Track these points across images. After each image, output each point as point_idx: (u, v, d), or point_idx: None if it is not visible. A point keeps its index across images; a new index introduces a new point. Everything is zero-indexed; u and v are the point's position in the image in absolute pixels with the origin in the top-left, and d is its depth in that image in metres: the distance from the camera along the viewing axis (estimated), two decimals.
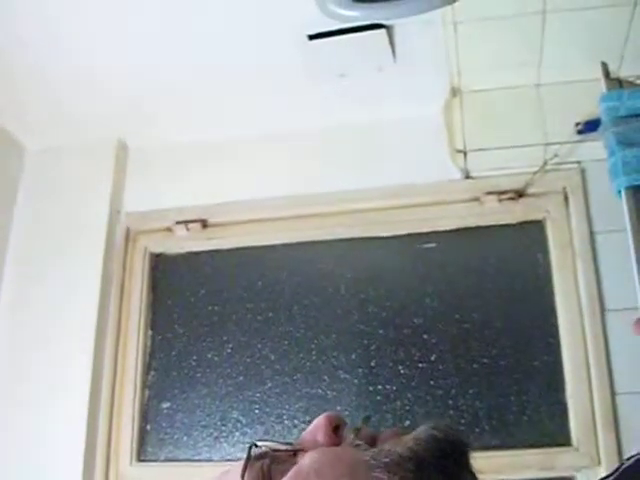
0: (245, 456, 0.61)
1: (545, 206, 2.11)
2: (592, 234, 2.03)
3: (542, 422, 1.95)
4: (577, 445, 1.89)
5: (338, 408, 2.07)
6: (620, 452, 1.82)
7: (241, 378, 2.15)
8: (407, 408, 2.03)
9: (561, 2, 1.84)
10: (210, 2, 1.82)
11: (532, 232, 2.12)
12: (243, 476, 0.60)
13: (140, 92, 2.19)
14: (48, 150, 2.41)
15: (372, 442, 0.61)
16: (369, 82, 2.13)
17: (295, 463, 0.60)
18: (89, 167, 2.37)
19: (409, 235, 2.19)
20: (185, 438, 2.13)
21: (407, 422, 2.01)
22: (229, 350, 2.19)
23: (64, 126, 2.33)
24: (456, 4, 1.70)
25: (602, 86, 2.02)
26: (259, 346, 2.17)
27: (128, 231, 2.35)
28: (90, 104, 2.22)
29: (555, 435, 1.92)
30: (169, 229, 2.33)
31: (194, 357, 2.20)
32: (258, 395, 2.12)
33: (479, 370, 2.02)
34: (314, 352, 2.13)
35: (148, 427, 2.16)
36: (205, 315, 2.24)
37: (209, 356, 2.19)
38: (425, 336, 2.08)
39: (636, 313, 1.85)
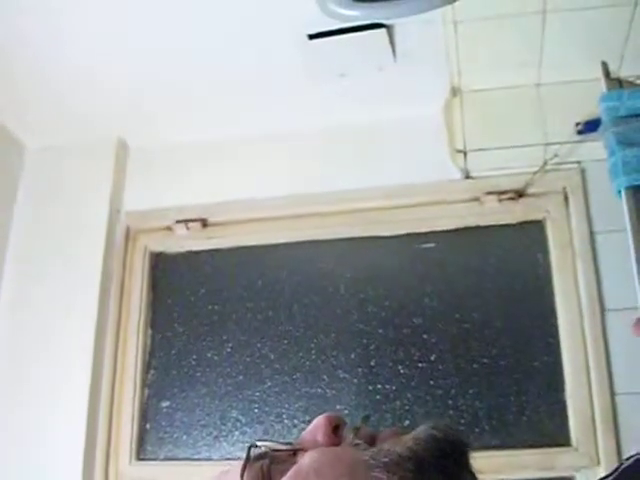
0: (244, 456, 0.61)
1: (545, 206, 2.11)
2: (592, 234, 2.03)
3: (542, 422, 1.95)
4: (576, 445, 1.89)
5: (338, 407, 2.07)
6: (619, 452, 1.82)
7: (241, 377, 2.15)
8: (407, 408, 2.03)
9: (561, 2, 1.84)
10: (210, 2, 1.82)
11: (532, 232, 2.12)
12: (242, 476, 0.60)
13: (140, 91, 2.19)
14: (48, 149, 2.41)
15: (372, 442, 0.61)
16: (369, 82, 2.13)
17: (295, 463, 0.60)
18: (89, 166, 2.37)
19: (409, 235, 2.19)
20: (185, 437, 2.13)
21: (407, 422, 2.01)
22: (229, 349, 2.19)
23: (64, 125, 2.33)
24: (456, 4, 1.70)
25: (602, 86, 2.02)
26: (259, 345, 2.17)
27: (128, 230, 2.35)
28: (90, 103, 2.22)
29: (555, 435, 1.92)
30: (169, 228, 2.33)
31: (194, 356, 2.20)
32: (258, 394, 2.12)
33: (479, 370, 2.02)
34: (314, 351, 2.13)
35: (148, 426, 2.17)
36: (205, 314, 2.24)
37: (209, 355, 2.19)
38: (425, 336, 2.08)
39: (636, 313, 1.84)
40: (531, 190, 2.11)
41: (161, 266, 2.35)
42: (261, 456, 0.62)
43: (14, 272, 2.28)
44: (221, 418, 2.13)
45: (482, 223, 2.15)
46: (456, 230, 2.16)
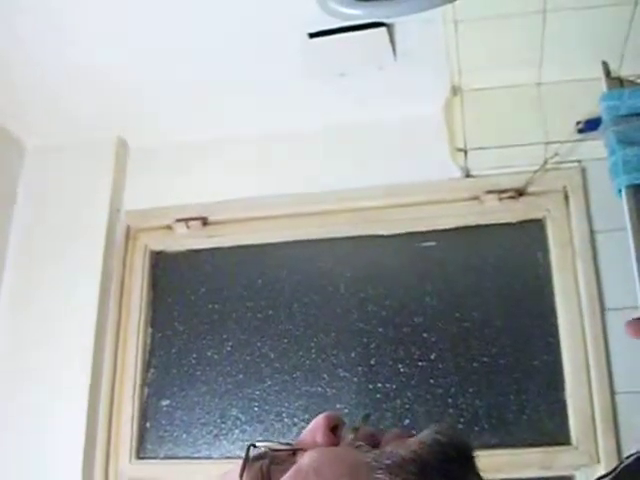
0: (243, 457, 0.61)
1: (545, 205, 2.11)
2: (592, 233, 2.03)
3: (542, 421, 1.95)
4: (576, 444, 1.89)
5: (338, 406, 2.07)
6: (619, 451, 1.82)
7: (241, 376, 2.15)
8: (407, 407, 2.03)
9: (562, 1, 1.84)
10: (211, 1, 1.82)
11: (532, 231, 2.12)
12: (242, 476, 0.60)
13: (140, 91, 2.19)
14: (48, 148, 2.41)
15: (372, 441, 0.61)
16: (370, 80, 2.13)
17: (294, 463, 0.60)
18: (89, 165, 2.37)
19: (409, 234, 2.19)
20: (184, 436, 2.14)
21: (407, 421, 2.01)
22: (229, 348, 2.19)
23: (64, 125, 2.33)
24: (457, 2, 1.70)
25: (603, 85, 2.02)
26: (259, 344, 2.17)
27: (128, 229, 2.35)
28: (90, 102, 2.22)
29: (554, 434, 1.92)
30: (169, 227, 2.33)
31: (194, 355, 2.20)
32: (258, 393, 2.12)
33: (479, 369, 2.02)
34: (314, 350, 2.13)
35: (148, 425, 2.17)
36: (205, 313, 2.24)
37: (209, 354, 2.20)
38: (425, 335, 2.08)
39: (636, 312, 1.85)
40: (531, 189, 2.11)
41: (161, 265, 2.35)
42: (260, 456, 0.62)
43: (14, 271, 2.28)
44: (221, 417, 2.13)
45: (482, 222, 2.15)
46: (456, 229, 2.16)
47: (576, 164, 2.10)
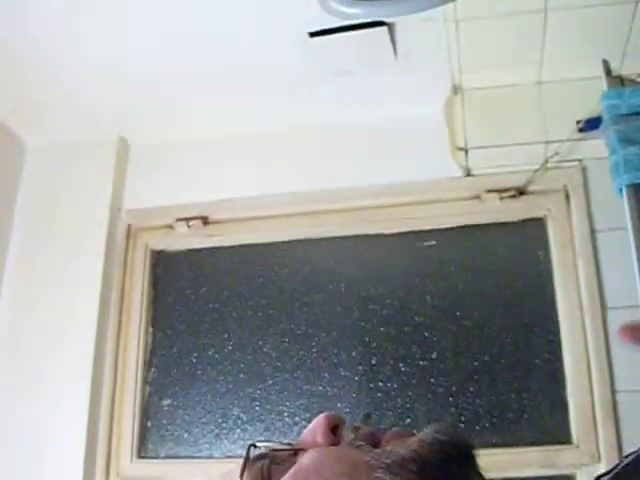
0: (243, 457, 0.61)
1: (546, 204, 2.11)
2: (593, 232, 2.03)
3: (543, 420, 1.95)
4: (577, 443, 1.89)
5: (339, 405, 2.07)
6: (620, 449, 1.82)
7: (242, 375, 2.15)
8: (408, 406, 2.03)
9: (562, 0, 1.84)
10: (211, 1, 1.82)
11: (533, 230, 2.12)
12: (242, 477, 0.60)
13: (141, 90, 2.19)
14: (49, 147, 2.41)
15: (372, 441, 0.61)
16: (370, 80, 2.13)
17: (295, 463, 0.60)
18: (90, 164, 2.37)
19: (410, 233, 2.19)
20: (186, 435, 2.14)
21: (408, 420, 2.01)
22: (230, 347, 2.19)
23: (65, 123, 2.33)
24: (457, 2, 1.70)
25: (603, 84, 2.02)
26: (260, 343, 2.17)
27: (129, 228, 2.35)
28: (91, 101, 2.22)
29: (556, 433, 1.92)
30: (170, 226, 2.33)
31: (195, 354, 2.21)
32: (259, 392, 2.12)
33: (480, 368, 2.02)
34: (315, 349, 2.13)
35: (149, 424, 2.17)
36: (206, 312, 2.24)
37: (210, 353, 2.20)
38: (426, 334, 2.08)
39: (637, 311, 1.85)
40: (532, 188, 2.11)
41: (162, 264, 2.35)
42: (261, 457, 0.62)
43: (15, 270, 2.28)
44: (222, 416, 2.13)
45: (483, 221, 2.15)
46: (457, 228, 2.16)
47: (577, 163, 2.10)
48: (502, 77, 2.13)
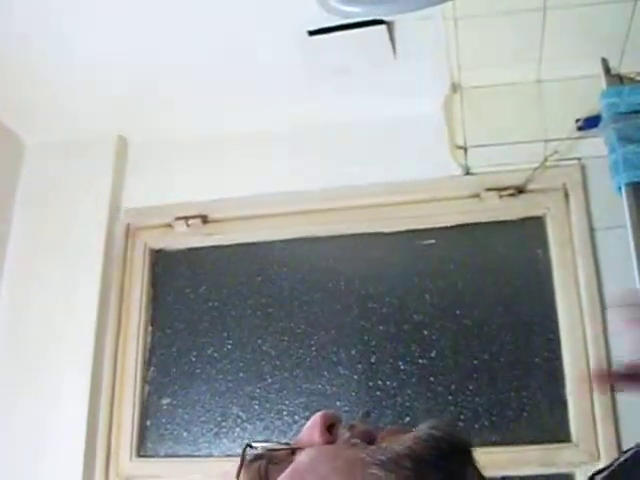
0: (240, 458, 0.62)
1: (545, 202, 2.11)
2: (592, 230, 2.03)
3: (542, 418, 1.95)
4: (577, 441, 1.89)
5: (338, 404, 2.07)
6: (620, 448, 1.82)
7: (241, 374, 2.15)
8: (407, 404, 2.03)
9: None
10: (210, 0, 1.82)
11: (532, 228, 2.12)
12: (238, 477, 0.61)
13: (140, 89, 2.19)
14: (48, 146, 2.41)
15: (368, 438, 0.62)
16: (369, 78, 2.13)
17: (293, 462, 0.60)
18: (89, 163, 2.37)
19: (409, 231, 2.19)
20: (185, 434, 2.14)
21: (407, 418, 2.01)
22: (229, 346, 2.19)
23: (64, 122, 2.33)
24: (456, 0, 1.70)
25: (602, 82, 2.02)
26: (259, 342, 2.17)
27: (128, 227, 2.35)
28: (90, 101, 2.22)
29: (555, 431, 1.92)
30: (169, 225, 2.33)
31: (194, 353, 2.21)
32: (258, 391, 2.12)
33: (479, 366, 2.02)
34: (314, 348, 2.13)
35: (148, 423, 2.17)
36: (205, 311, 2.24)
37: (209, 352, 2.20)
38: (425, 332, 2.08)
39: (637, 310, 1.85)
40: (531, 186, 2.11)
41: (161, 263, 2.35)
42: (258, 457, 0.62)
43: (14, 269, 2.28)
44: (221, 415, 2.13)
45: (482, 219, 2.15)
46: (456, 226, 2.16)
47: (576, 161, 2.10)
48: (501, 75, 2.13)
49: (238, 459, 0.62)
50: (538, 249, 2.10)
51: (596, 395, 1.89)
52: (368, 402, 2.05)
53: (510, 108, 2.15)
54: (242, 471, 0.61)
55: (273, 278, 2.24)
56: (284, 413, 2.09)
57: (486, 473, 0.62)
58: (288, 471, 0.59)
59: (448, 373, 2.03)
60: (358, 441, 0.61)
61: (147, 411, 2.18)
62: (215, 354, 2.19)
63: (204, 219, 2.31)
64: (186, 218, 2.30)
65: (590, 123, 2.04)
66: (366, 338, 2.11)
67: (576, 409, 1.91)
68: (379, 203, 2.21)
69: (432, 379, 2.04)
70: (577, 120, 2.06)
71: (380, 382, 2.06)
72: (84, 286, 2.21)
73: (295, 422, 2.07)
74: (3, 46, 1.97)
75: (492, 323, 2.06)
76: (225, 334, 2.20)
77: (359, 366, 2.09)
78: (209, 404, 2.14)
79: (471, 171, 2.15)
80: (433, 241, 2.17)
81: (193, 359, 2.20)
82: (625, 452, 0.77)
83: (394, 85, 2.16)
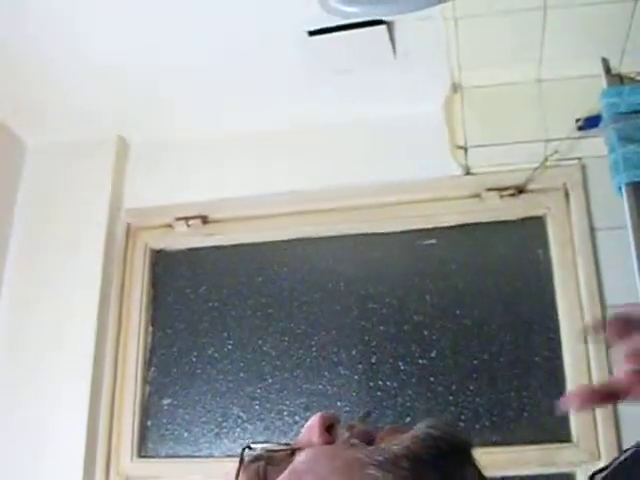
0: (238, 460, 0.62)
1: (546, 202, 2.11)
2: (593, 230, 2.03)
3: (542, 418, 1.95)
4: (577, 441, 1.89)
5: (338, 404, 2.07)
6: (620, 447, 1.82)
7: (241, 374, 2.15)
8: (407, 404, 2.03)
9: None
10: (210, 0, 1.82)
11: (533, 228, 2.12)
12: (237, 478, 0.61)
13: (140, 89, 2.19)
14: (49, 147, 2.41)
15: (366, 438, 0.62)
16: (369, 78, 2.13)
17: (291, 463, 0.61)
18: (90, 164, 2.37)
19: (410, 231, 2.19)
20: (186, 434, 2.14)
21: (407, 418, 2.01)
22: (229, 346, 2.19)
23: (65, 123, 2.33)
24: (456, 0, 1.70)
25: (603, 82, 2.02)
26: (259, 342, 2.17)
27: (128, 227, 2.35)
28: (91, 101, 2.22)
29: (555, 431, 1.92)
30: (169, 225, 2.33)
31: (195, 353, 2.21)
32: (258, 391, 2.12)
33: (479, 366, 2.02)
34: (314, 348, 2.13)
35: (149, 423, 2.17)
36: (205, 311, 2.24)
37: (210, 352, 2.20)
38: (425, 332, 2.08)
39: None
40: (532, 186, 2.11)
41: (161, 263, 2.35)
42: (257, 458, 0.62)
43: (15, 269, 2.28)
44: (222, 415, 2.13)
45: (483, 219, 2.15)
46: (457, 226, 2.16)
47: (576, 161, 2.10)
48: (501, 75, 2.13)
49: (238, 460, 0.62)
50: (538, 249, 2.10)
51: None
52: (368, 402, 2.05)
53: (510, 108, 2.15)
54: (241, 472, 0.61)
55: (273, 278, 2.24)
56: (285, 413, 2.09)
57: (486, 473, 0.62)
58: (287, 472, 0.59)
59: (448, 373, 2.03)
60: (357, 441, 0.61)
61: (148, 411, 2.18)
62: (216, 354, 2.19)
63: (204, 219, 2.31)
64: (186, 218, 2.30)
65: (590, 123, 2.04)
66: (366, 338, 2.11)
67: None
68: (379, 203, 2.21)
69: (432, 379, 2.04)
70: (577, 120, 2.06)
71: (380, 382, 2.06)
72: (84, 286, 2.21)
73: (296, 422, 2.07)
74: (4, 48, 1.98)
75: (492, 323, 2.06)
76: (225, 334, 2.20)
77: (359, 366, 2.09)
78: (210, 404, 2.14)
79: (471, 171, 2.15)
80: (433, 241, 2.17)
81: (194, 359, 2.20)
82: (625, 451, 0.77)
83: (394, 85, 2.16)
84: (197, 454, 2.11)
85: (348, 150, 2.27)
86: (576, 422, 1.90)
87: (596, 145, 2.02)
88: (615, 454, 1.75)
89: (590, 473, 0.79)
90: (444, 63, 2.07)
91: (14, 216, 2.34)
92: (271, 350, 2.16)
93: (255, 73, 2.12)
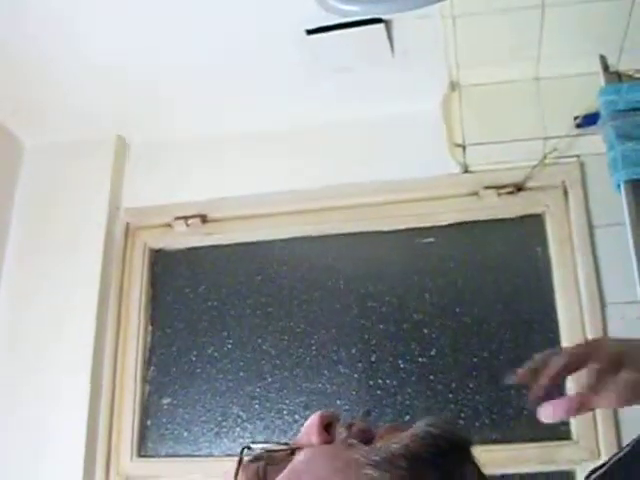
0: (237, 459, 0.62)
1: (544, 200, 2.11)
2: (591, 228, 2.03)
3: None
4: (577, 439, 1.89)
5: (338, 403, 2.07)
6: (620, 445, 1.82)
7: (241, 373, 2.15)
8: (407, 402, 2.03)
9: None
10: (208, 0, 1.82)
11: (531, 226, 2.12)
12: (236, 478, 0.61)
13: (140, 89, 2.19)
14: (47, 147, 2.40)
15: (365, 437, 0.62)
16: (367, 77, 2.13)
17: (291, 462, 0.61)
18: (88, 163, 2.37)
19: (408, 230, 2.19)
20: (185, 433, 2.14)
21: (407, 417, 2.01)
22: (229, 345, 2.19)
23: (63, 123, 2.33)
24: None
25: (601, 80, 2.02)
26: (259, 341, 2.17)
27: (127, 227, 2.35)
28: (89, 101, 2.22)
29: (555, 429, 1.92)
30: (168, 225, 2.33)
31: (194, 352, 2.21)
32: (258, 390, 2.12)
33: (479, 364, 2.02)
34: (314, 347, 2.13)
35: (149, 422, 2.17)
36: (205, 310, 2.24)
37: (209, 351, 2.20)
38: (425, 330, 2.08)
39: (636, 307, 1.85)
40: (530, 184, 2.11)
41: (161, 263, 2.35)
42: (257, 458, 0.62)
43: (14, 270, 2.28)
44: (222, 414, 2.13)
45: (481, 217, 2.15)
46: (455, 225, 2.16)
47: (575, 159, 2.10)
48: (499, 73, 2.13)
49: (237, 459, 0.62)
50: (537, 247, 2.10)
51: None
52: (368, 401, 2.05)
53: (509, 106, 2.15)
54: (240, 472, 0.61)
55: (273, 277, 2.24)
56: (284, 412, 2.09)
57: (486, 471, 0.62)
58: (286, 471, 0.60)
59: (448, 371, 2.03)
60: (355, 441, 0.61)
61: (147, 411, 2.18)
62: (215, 353, 2.19)
63: (203, 219, 2.31)
64: (185, 218, 2.30)
65: (589, 120, 2.04)
66: (366, 337, 2.11)
67: None
68: (378, 202, 2.21)
69: (432, 377, 2.04)
70: (576, 117, 2.06)
71: (380, 381, 2.06)
72: (84, 286, 2.21)
73: (295, 421, 2.07)
74: (4, 48, 1.97)
75: (492, 321, 2.06)
76: (225, 333, 2.20)
77: (359, 365, 2.09)
78: (209, 404, 2.14)
79: (470, 169, 2.15)
80: (432, 239, 2.17)
81: (193, 359, 2.20)
82: (622, 449, 0.77)
83: (392, 83, 2.16)
84: (197, 453, 2.11)
85: (346, 149, 2.27)
86: (576, 419, 1.90)
87: (594, 143, 2.02)
88: (615, 451, 1.76)
89: (589, 470, 0.79)
90: (442, 61, 2.07)
91: (13, 216, 2.34)
92: (271, 349, 2.16)
93: (254, 72, 2.12)
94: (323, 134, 2.29)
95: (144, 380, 2.21)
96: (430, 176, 2.17)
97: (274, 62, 2.07)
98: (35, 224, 2.32)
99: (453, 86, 2.18)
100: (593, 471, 0.78)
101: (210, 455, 2.10)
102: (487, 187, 2.13)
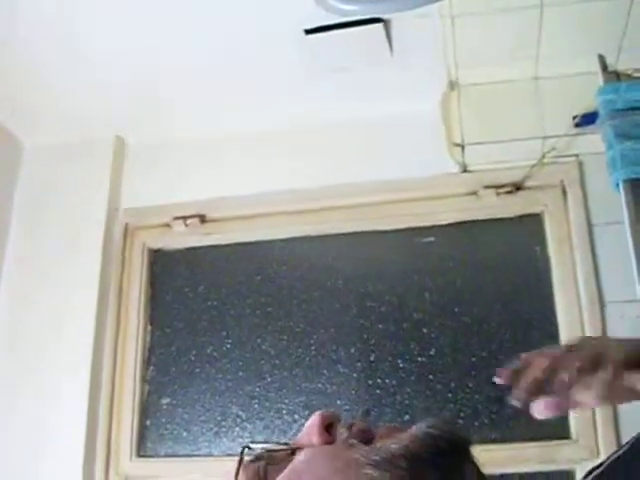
0: (238, 459, 0.62)
1: (543, 199, 2.12)
2: (590, 227, 2.03)
3: None
4: (577, 438, 1.89)
5: (338, 402, 2.07)
6: (620, 444, 1.82)
7: (240, 373, 2.15)
8: (406, 402, 2.03)
9: None
10: (207, 0, 1.82)
11: (530, 225, 2.13)
12: (236, 478, 0.61)
13: (138, 89, 2.19)
14: (46, 147, 2.40)
15: (365, 437, 0.62)
16: (366, 76, 2.13)
17: (292, 462, 0.61)
18: (87, 164, 2.37)
19: (407, 229, 2.19)
20: (185, 433, 2.14)
21: (406, 416, 2.01)
22: (228, 345, 2.19)
23: (62, 123, 2.33)
24: None
25: (599, 79, 2.02)
26: (258, 341, 2.17)
27: (126, 227, 2.35)
28: (88, 101, 2.22)
29: (555, 428, 1.92)
30: (167, 225, 2.33)
31: (193, 352, 2.21)
32: (258, 390, 2.12)
33: (478, 364, 2.02)
34: (313, 347, 2.13)
35: (148, 422, 2.17)
36: (204, 310, 2.24)
37: (208, 351, 2.20)
38: (424, 330, 2.08)
39: (635, 305, 1.85)
40: (529, 183, 2.11)
41: (159, 263, 2.35)
42: (257, 458, 0.62)
43: (13, 270, 2.28)
44: (221, 414, 2.13)
45: (480, 217, 2.15)
46: (454, 224, 2.16)
47: (573, 158, 2.10)
48: (498, 73, 2.13)
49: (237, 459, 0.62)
50: (536, 246, 2.10)
51: None
52: (368, 400, 2.05)
53: (507, 105, 2.15)
54: (241, 472, 0.62)
55: (272, 277, 2.24)
56: (284, 412, 2.09)
57: (486, 470, 0.62)
58: (286, 471, 0.60)
59: (447, 371, 2.03)
60: (355, 441, 0.61)
61: (147, 411, 2.18)
62: (214, 353, 2.19)
63: (202, 218, 2.31)
64: (184, 218, 2.30)
65: (587, 120, 2.04)
66: (365, 336, 2.12)
67: None
68: (377, 201, 2.21)
69: (431, 377, 2.04)
70: (574, 117, 2.06)
71: (379, 380, 2.06)
72: (83, 286, 2.21)
73: (295, 421, 2.07)
74: (3, 46, 1.97)
75: (491, 320, 2.06)
76: (224, 333, 2.20)
77: (358, 364, 2.09)
78: (209, 403, 2.14)
79: (468, 168, 2.16)
80: (432, 239, 2.17)
81: (192, 358, 2.20)
82: (621, 447, 0.77)
83: (391, 83, 2.16)
84: (196, 453, 2.11)
85: (345, 148, 2.27)
86: (575, 419, 1.90)
87: (593, 142, 2.02)
88: None
89: (588, 469, 0.79)
90: (441, 61, 2.07)
91: (12, 217, 2.34)
92: (270, 349, 2.16)
93: (253, 72, 2.12)
94: (322, 134, 2.29)
95: (143, 380, 2.21)
96: (429, 176, 2.17)
97: (273, 62, 2.07)
98: (34, 224, 2.32)
99: (452, 85, 2.18)
100: (591, 470, 0.78)
101: (209, 455, 2.10)
102: (486, 186, 2.13)
